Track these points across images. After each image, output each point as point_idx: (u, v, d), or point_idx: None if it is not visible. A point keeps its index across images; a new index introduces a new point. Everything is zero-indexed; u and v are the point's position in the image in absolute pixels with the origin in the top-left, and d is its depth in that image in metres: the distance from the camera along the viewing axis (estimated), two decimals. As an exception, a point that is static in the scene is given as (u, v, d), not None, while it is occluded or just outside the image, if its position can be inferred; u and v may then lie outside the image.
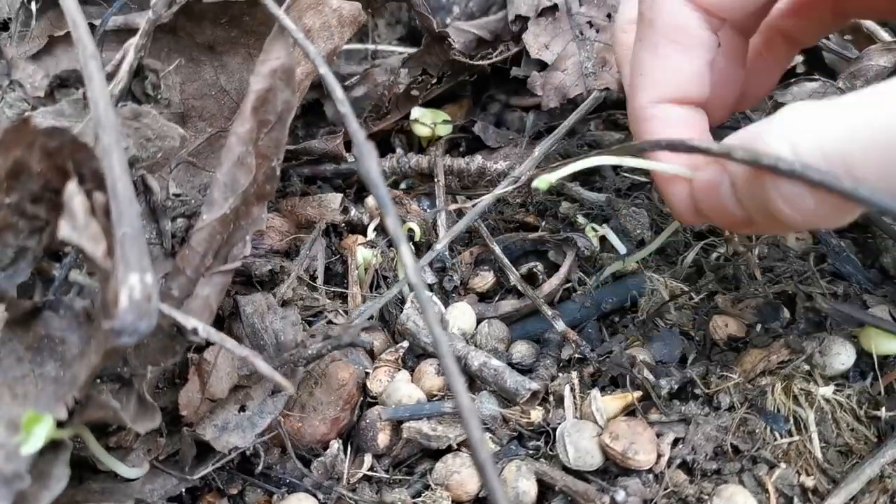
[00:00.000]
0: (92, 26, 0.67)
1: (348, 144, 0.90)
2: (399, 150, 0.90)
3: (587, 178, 0.87)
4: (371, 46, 0.88)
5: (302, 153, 0.83)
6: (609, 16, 0.84)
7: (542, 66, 0.86)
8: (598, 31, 0.84)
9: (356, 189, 0.88)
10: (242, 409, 0.65)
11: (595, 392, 0.68)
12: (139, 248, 0.46)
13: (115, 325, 0.42)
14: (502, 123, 0.96)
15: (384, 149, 0.91)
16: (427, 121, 0.90)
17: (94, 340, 0.53)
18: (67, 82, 0.74)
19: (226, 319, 0.71)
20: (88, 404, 0.52)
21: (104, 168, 0.48)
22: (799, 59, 0.97)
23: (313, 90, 0.88)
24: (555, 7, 0.84)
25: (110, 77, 0.61)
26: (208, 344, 0.67)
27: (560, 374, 0.72)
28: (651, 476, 0.64)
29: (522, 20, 0.84)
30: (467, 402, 0.41)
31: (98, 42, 0.65)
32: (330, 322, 0.72)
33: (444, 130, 0.91)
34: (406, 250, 0.46)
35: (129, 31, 0.65)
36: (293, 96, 0.64)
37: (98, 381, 0.56)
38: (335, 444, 0.67)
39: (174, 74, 0.68)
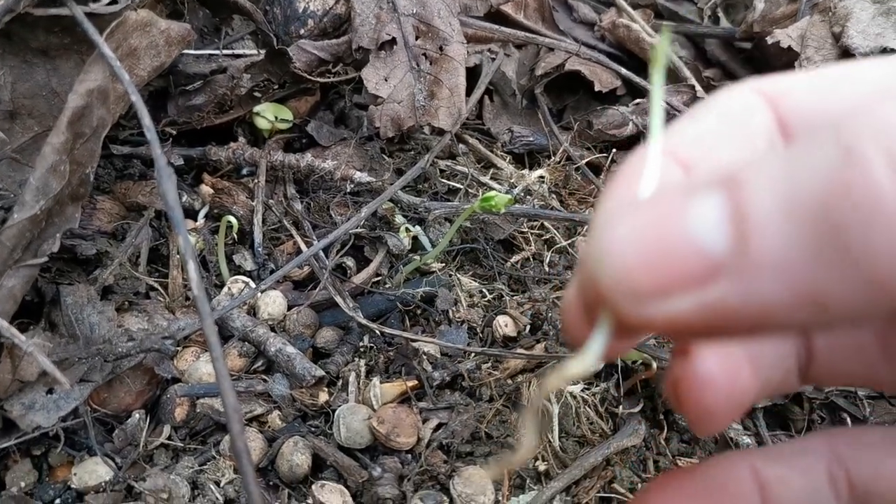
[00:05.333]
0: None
1: (189, 135, 0.95)
2: (241, 140, 0.96)
3: (414, 182, 0.95)
4: (217, 52, 0.92)
5: (133, 157, 0.88)
6: (441, 48, 0.91)
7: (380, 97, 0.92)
8: (431, 63, 0.91)
9: (194, 174, 0.94)
10: (50, 391, 0.71)
11: (375, 380, 0.77)
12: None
13: None
14: (344, 120, 1.03)
15: (227, 137, 0.96)
16: (269, 115, 0.96)
17: None
18: None
19: (47, 305, 0.77)
20: None
21: None
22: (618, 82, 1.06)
23: (161, 78, 0.93)
24: (393, 40, 0.90)
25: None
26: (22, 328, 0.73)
27: (355, 360, 0.81)
28: (410, 456, 0.74)
29: (364, 51, 0.90)
30: (232, 399, 0.50)
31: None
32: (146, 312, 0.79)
33: (285, 125, 0.97)
34: (192, 267, 0.53)
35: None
36: (108, 114, 0.70)
37: None
38: (136, 415, 0.74)
39: (7, 74, 0.72)
